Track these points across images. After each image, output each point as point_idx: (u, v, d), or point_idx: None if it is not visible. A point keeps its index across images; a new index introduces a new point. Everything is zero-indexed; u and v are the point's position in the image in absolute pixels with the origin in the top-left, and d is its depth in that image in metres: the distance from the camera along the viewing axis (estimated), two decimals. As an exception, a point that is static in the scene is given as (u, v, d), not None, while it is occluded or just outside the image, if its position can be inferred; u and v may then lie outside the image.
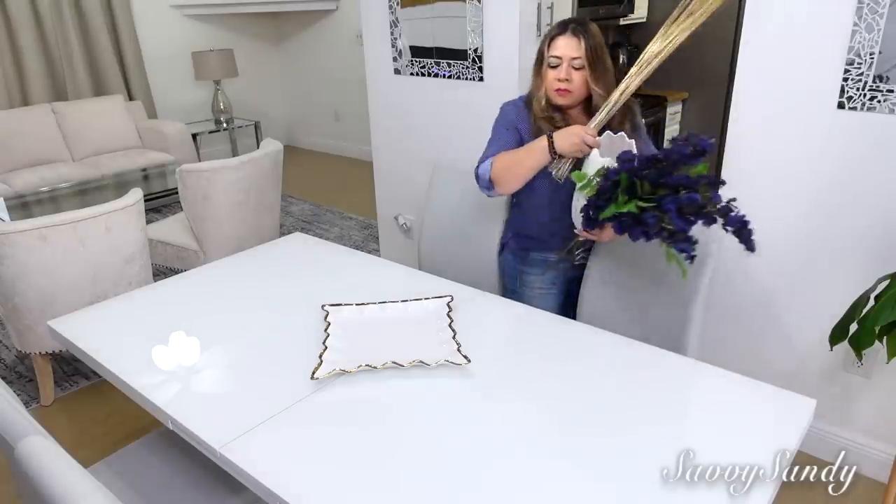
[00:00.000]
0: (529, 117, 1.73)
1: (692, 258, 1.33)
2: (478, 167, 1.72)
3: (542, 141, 1.57)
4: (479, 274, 2.03)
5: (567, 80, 1.63)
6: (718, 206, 1.34)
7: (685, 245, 1.33)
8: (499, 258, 2.00)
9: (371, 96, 3.08)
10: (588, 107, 1.70)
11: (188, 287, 1.81)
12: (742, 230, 1.33)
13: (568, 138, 1.54)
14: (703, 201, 1.31)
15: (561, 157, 1.56)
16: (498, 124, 1.78)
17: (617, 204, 1.36)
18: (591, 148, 1.52)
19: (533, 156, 1.60)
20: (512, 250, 1.92)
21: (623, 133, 1.60)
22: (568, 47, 1.62)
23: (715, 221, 1.35)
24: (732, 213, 1.34)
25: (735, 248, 2.06)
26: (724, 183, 1.42)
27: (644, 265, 1.80)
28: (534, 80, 1.72)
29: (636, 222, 1.35)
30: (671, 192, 1.33)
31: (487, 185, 1.70)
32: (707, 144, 1.35)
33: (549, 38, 1.65)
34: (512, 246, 1.92)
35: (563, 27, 1.64)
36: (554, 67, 1.64)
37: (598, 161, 1.51)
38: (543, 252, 1.85)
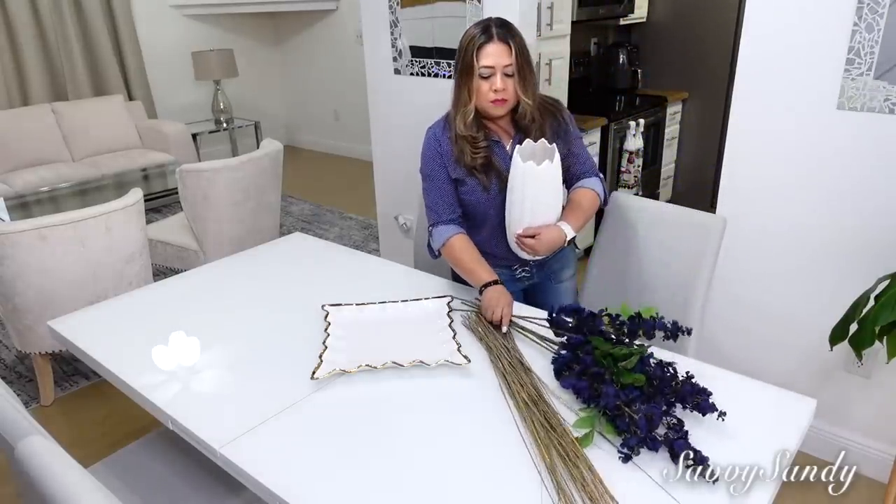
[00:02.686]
0: (450, 137, 1.65)
1: (627, 457, 1.10)
2: (432, 230, 1.71)
3: (482, 280, 1.56)
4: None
5: (504, 88, 1.55)
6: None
7: (633, 441, 1.10)
8: None
9: (371, 96, 3.08)
10: (514, 114, 1.64)
11: (188, 287, 1.81)
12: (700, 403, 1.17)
13: (488, 307, 1.49)
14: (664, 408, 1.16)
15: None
16: (427, 158, 1.70)
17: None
18: (496, 325, 1.48)
19: (471, 277, 1.61)
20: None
21: (544, 140, 1.58)
22: (499, 55, 1.53)
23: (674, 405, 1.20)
24: (701, 402, 1.17)
25: (735, 249, 2.07)
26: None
27: (644, 266, 1.80)
28: (459, 93, 1.60)
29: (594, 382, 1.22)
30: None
31: (435, 255, 1.75)
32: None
33: (476, 47, 1.53)
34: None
35: (487, 33, 1.53)
36: (486, 78, 1.55)
37: (520, 165, 1.52)
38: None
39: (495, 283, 1.56)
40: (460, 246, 1.65)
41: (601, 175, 1.76)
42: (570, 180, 1.75)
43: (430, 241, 1.74)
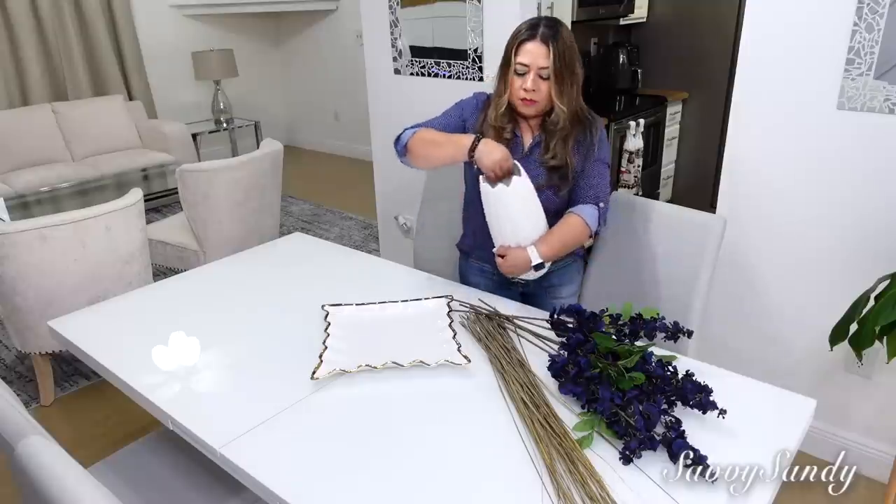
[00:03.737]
0: (482, 116, 1.65)
1: (628, 459, 1.09)
2: (405, 130, 1.66)
3: (468, 139, 1.51)
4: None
5: (534, 90, 1.53)
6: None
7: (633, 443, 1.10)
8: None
9: (371, 96, 3.08)
10: (548, 115, 1.60)
11: (188, 287, 1.81)
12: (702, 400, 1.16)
13: (490, 154, 1.47)
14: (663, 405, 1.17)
15: (474, 162, 1.50)
16: (455, 106, 1.71)
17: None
18: (501, 176, 1.47)
19: (452, 147, 1.54)
20: (460, 247, 1.87)
21: (518, 165, 1.51)
22: (536, 55, 1.50)
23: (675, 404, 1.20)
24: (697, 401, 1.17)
25: (735, 248, 2.07)
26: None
27: (644, 266, 1.80)
28: (497, 83, 1.61)
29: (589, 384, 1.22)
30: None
31: (402, 150, 1.65)
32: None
33: (517, 42, 1.53)
34: (460, 243, 1.87)
35: (532, 31, 1.52)
36: (521, 75, 1.54)
37: (485, 188, 1.49)
38: (479, 260, 1.79)
39: (479, 137, 1.51)
40: (426, 131, 1.61)
41: (602, 204, 1.65)
42: (572, 201, 1.68)
43: (398, 139, 1.66)
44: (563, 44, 1.50)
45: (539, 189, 1.58)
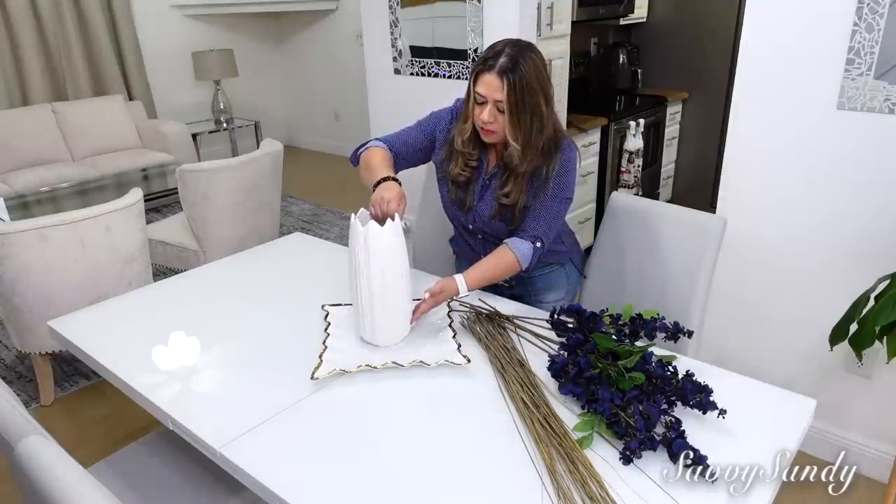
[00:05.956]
0: (455, 129, 1.61)
1: (628, 459, 1.09)
2: (370, 140, 1.66)
3: (380, 176, 1.50)
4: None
5: (491, 121, 1.47)
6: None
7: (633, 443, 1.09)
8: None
9: (371, 96, 3.08)
10: (504, 151, 1.54)
11: (188, 287, 1.81)
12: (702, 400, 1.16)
13: (373, 201, 1.43)
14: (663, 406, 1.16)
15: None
16: (429, 118, 1.70)
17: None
18: (380, 215, 1.41)
19: (371, 177, 1.53)
20: (453, 243, 1.89)
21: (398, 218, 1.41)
22: (492, 87, 1.44)
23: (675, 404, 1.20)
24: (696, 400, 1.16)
25: (735, 249, 2.07)
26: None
27: (644, 266, 1.80)
28: (464, 106, 1.56)
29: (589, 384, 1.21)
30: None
31: (354, 160, 1.67)
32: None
33: (477, 71, 1.46)
34: (452, 246, 1.89)
35: (492, 60, 1.43)
36: (480, 104, 1.48)
37: (356, 226, 1.36)
38: (470, 262, 1.77)
39: (387, 179, 1.48)
40: (375, 152, 1.60)
41: (539, 244, 1.56)
42: (513, 231, 1.60)
43: (358, 148, 1.67)
44: (522, 77, 1.42)
45: (490, 218, 1.60)
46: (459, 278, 1.50)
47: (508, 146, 1.51)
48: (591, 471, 1.06)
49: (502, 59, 1.43)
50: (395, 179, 1.50)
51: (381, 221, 1.38)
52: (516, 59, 1.43)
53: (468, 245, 1.77)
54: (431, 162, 1.74)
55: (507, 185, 1.56)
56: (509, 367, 1.33)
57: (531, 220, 1.57)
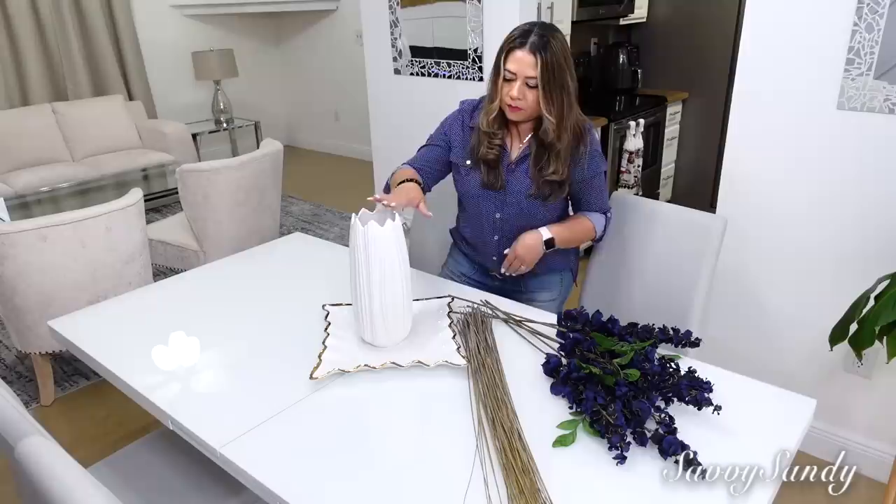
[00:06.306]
0: (473, 120, 1.66)
1: (622, 458, 1.08)
2: (401, 165, 1.71)
3: (397, 184, 1.56)
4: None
5: (520, 98, 1.52)
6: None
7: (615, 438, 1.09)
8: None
9: (371, 96, 3.08)
10: (539, 125, 1.58)
11: (188, 287, 1.81)
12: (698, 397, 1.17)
13: (392, 197, 1.47)
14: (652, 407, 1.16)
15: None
16: (439, 128, 1.75)
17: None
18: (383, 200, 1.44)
19: (394, 189, 1.56)
20: (452, 233, 1.91)
21: (393, 211, 1.43)
22: (524, 64, 1.49)
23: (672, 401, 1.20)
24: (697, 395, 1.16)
25: (735, 248, 2.07)
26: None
27: (644, 266, 1.80)
28: (490, 87, 1.60)
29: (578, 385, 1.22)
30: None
31: (386, 190, 1.66)
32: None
33: (507, 49, 1.52)
34: (454, 236, 1.91)
35: (522, 38, 1.50)
36: (508, 81, 1.53)
37: (356, 226, 1.35)
38: (476, 260, 1.83)
39: (409, 180, 1.55)
40: (400, 172, 1.66)
41: (609, 214, 1.74)
42: (579, 212, 1.74)
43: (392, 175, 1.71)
44: (553, 54, 1.48)
45: (527, 198, 1.63)
46: (543, 229, 1.63)
47: (543, 122, 1.56)
48: (526, 468, 1.05)
49: (533, 38, 1.49)
50: (415, 180, 1.58)
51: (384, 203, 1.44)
52: (546, 38, 1.49)
53: (482, 240, 1.75)
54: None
55: (550, 164, 1.60)
56: (483, 370, 1.32)
57: (594, 197, 1.70)
